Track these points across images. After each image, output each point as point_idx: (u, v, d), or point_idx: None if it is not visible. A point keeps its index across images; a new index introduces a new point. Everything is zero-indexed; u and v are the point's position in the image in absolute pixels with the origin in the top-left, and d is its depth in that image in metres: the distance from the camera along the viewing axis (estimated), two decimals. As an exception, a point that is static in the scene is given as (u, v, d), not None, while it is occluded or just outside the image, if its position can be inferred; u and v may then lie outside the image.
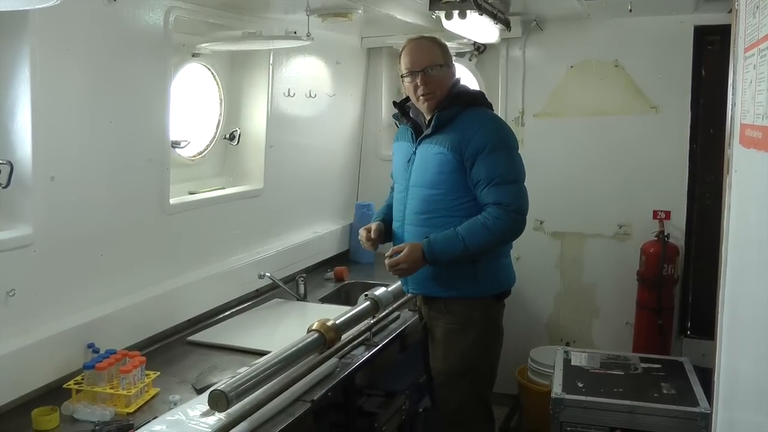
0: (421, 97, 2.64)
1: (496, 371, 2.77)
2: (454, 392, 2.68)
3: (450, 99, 2.64)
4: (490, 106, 2.77)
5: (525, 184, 2.64)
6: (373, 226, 2.78)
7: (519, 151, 2.67)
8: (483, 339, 2.66)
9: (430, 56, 2.64)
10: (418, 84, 2.62)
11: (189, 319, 2.94)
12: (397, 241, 2.73)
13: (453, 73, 2.73)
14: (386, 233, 2.83)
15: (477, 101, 2.71)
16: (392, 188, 2.94)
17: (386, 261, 2.62)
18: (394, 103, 2.85)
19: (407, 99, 2.78)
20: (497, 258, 2.67)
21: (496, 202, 2.51)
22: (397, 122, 2.89)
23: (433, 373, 2.75)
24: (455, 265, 2.60)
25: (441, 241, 2.53)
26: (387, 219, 2.85)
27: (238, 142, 3.39)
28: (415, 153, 2.69)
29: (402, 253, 2.57)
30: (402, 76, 2.70)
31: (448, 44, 3.95)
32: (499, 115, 4.10)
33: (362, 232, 2.80)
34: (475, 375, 2.67)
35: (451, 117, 2.61)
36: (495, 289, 2.69)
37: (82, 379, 2.22)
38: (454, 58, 4.19)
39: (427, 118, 2.68)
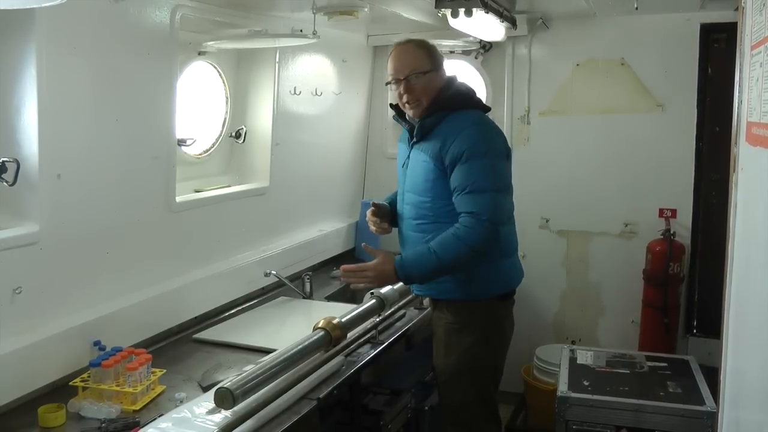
0: (406, 105, 2.60)
1: (501, 371, 2.74)
2: (456, 391, 2.66)
3: (437, 104, 2.57)
4: (481, 106, 2.68)
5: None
6: (378, 203, 2.75)
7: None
8: (484, 339, 2.62)
9: (415, 63, 2.55)
10: (402, 92, 2.57)
11: (195, 317, 2.94)
12: (401, 239, 2.72)
13: (442, 76, 2.62)
14: (393, 216, 2.79)
15: (465, 104, 2.62)
16: None
17: (346, 267, 2.58)
18: (391, 105, 2.78)
19: None
20: (495, 260, 2.58)
21: (468, 211, 2.42)
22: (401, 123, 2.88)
23: (436, 372, 2.75)
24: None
25: (412, 257, 2.49)
26: (394, 204, 2.80)
27: (244, 140, 3.39)
28: (408, 157, 2.66)
29: (372, 262, 2.53)
30: (387, 83, 2.65)
31: (454, 42, 4.00)
32: (505, 114, 4.13)
33: (368, 213, 2.77)
34: (475, 375, 2.64)
35: (434, 124, 2.55)
36: (495, 290, 2.63)
37: (89, 376, 2.23)
38: (459, 56, 4.24)
39: (416, 124, 2.62)
